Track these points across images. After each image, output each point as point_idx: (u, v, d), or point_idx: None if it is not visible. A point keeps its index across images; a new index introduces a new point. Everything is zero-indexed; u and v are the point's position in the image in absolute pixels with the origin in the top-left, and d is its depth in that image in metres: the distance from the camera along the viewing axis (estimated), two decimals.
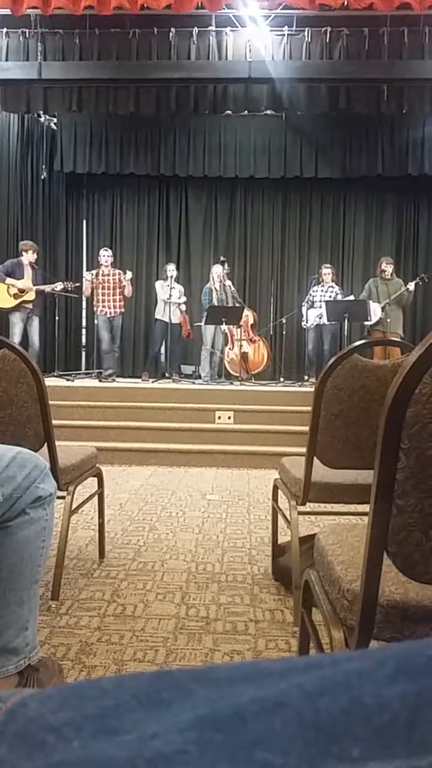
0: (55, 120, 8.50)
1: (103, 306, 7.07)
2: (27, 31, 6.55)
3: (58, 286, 7.00)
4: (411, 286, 7.00)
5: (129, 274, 7.12)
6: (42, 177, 8.58)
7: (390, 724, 0.20)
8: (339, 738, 0.20)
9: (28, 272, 6.86)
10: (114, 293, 7.05)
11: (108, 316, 7.09)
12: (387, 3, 5.72)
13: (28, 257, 6.89)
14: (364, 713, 0.21)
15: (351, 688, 0.22)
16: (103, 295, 7.05)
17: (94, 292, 7.07)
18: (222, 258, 7.53)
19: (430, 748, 0.19)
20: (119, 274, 7.12)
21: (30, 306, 6.83)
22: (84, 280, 7.23)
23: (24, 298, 6.76)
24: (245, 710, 0.22)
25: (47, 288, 6.95)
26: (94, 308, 7.18)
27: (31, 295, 6.78)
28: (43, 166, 8.53)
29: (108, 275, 7.06)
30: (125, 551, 2.78)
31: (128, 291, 7.12)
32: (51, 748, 0.22)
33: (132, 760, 0.20)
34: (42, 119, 8.36)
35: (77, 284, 7.41)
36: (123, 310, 7.19)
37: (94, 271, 7.22)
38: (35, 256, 6.97)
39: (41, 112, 7.48)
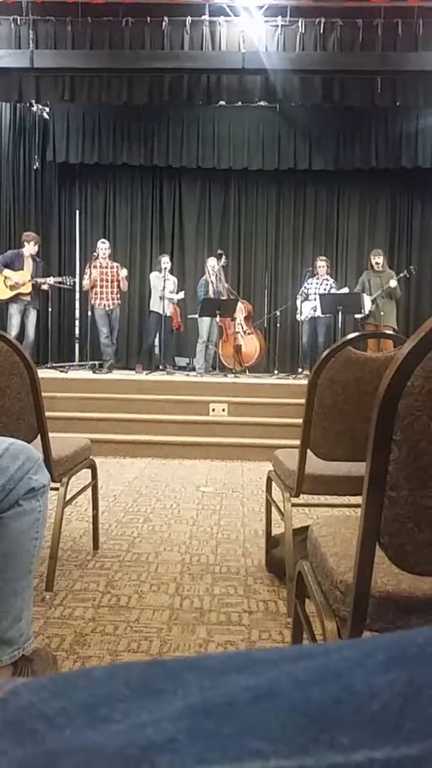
0: (48, 109, 8.42)
1: (101, 299, 7.04)
2: (18, 18, 6.47)
3: (52, 279, 6.97)
4: (393, 282, 6.99)
5: (124, 272, 7.09)
6: (34, 167, 8.51)
7: (381, 712, 0.20)
8: (330, 726, 0.20)
9: (28, 264, 6.83)
10: (112, 286, 7.03)
11: (106, 309, 7.06)
12: None
13: (29, 249, 6.86)
14: (355, 701, 0.21)
15: (342, 676, 0.22)
16: (101, 287, 7.02)
17: (94, 284, 7.06)
18: (219, 251, 7.50)
19: (421, 735, 0.20)
20: (117, 267, 7.09)
21: (27, 298, 6.81)
22: (85, 276, 7.17)
23: (20, 291, 6.75)
24: (237, 699, 0.22)
25: (46, 282, 6.90)
26: (92, 301, 7.14)
27: (27, 288, 6.76)
28: (36, 156, 8.47)
29: (106, 267, 7.03)
30: (119, 543, 2.78)
31: (123, 286, 7.10)
32: (42, 736, 0.22)
33: (124, 748, 0.21)
34: (34, 108, 8.28)
35: (74, 280, 7.38)
36: (120, 302, 7.17)
37: (93, 263, 7.17)
38: (36, 247, 6.93)
39: (33, 101, 7.41)
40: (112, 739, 0.21)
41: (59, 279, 7.04)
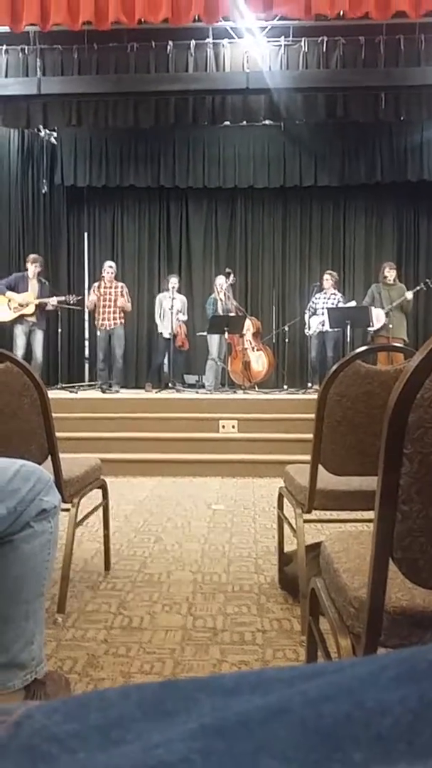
0: (55, 134, 8.56)
1: (102, 320, 7.08)
2: (26, 47, 6.61)
3: (54, 299, 7.00)
4: (409, 295, 6.99)
5: (126, 290, 7.14)
6: (43, 191, 8.63)
7: (392, 729, 0.20)
8: (341, 743, 0.20)
9: (33, 285, 6.90)
10: (115, 306, 7.06)
11: (107, 329, 7.09)
12: (382, 11, 5.76)
13: (33, 270, 6.93)
14: (366, 718, 0.21)
15: (354, 693, 0.22)
16: (103, 308, 7.06)
17: (96, 305, 7.11)
18: (228, 269, 7.54)
19: None
20: (121, 287, 7.13)
21: (33, 319, 6.86)
22: (87, 296, 7.23)
23: (24, 312, 6.80)
24: (249, 718, 0.22)
25: (51, 302, 6.94)
26: (96, 322, 7.21)
27: (30, 309, 6.81)
28: (44, 180, 8.59)
29: (110, 288, 7.08)
30: (131, 563, 2.77)
31: (127, 306, 7.11)
32: (56, 759, 0.22)
33: None
34: (42, 134, 8.42)
35: (79, 297, 7.41)
36: (123, 321, 7.17)
37: (96, 284, 7.25)
38: (39, 268, 6.99)
39: (41, 126, 7.54)
40: (124, 760, 0.21)
41: (62, 298, 7.06)
